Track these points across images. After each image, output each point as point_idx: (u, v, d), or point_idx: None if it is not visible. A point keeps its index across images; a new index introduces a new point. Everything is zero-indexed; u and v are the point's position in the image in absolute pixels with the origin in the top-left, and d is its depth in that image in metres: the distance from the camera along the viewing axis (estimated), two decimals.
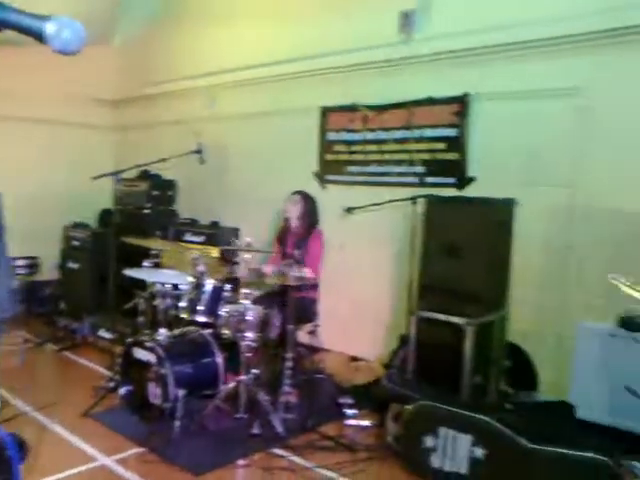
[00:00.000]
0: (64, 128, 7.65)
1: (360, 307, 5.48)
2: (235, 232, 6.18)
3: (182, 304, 4.24)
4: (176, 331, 4.33)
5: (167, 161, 5.33)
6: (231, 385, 4.06)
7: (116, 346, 4.82)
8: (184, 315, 4.26)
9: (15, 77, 6.72)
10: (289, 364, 4.20)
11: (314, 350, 4.97)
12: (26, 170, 7.17)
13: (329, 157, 5.80)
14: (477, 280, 4.00)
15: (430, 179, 5.05)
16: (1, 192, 3.01)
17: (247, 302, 4.13)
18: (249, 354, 4.05)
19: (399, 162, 5.23)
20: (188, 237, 6.31)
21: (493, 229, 4.09)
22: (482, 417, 3.35)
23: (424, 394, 3.64)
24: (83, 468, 3.44)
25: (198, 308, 4.20)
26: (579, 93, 4.22)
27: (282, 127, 6.18)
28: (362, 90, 5.47)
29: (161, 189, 7.01)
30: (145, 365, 3.93)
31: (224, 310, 4.17)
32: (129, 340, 4.19)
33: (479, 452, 3.30)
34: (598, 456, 3.07)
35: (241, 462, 3.62)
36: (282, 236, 5.13)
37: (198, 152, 5.53)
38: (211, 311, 4.21)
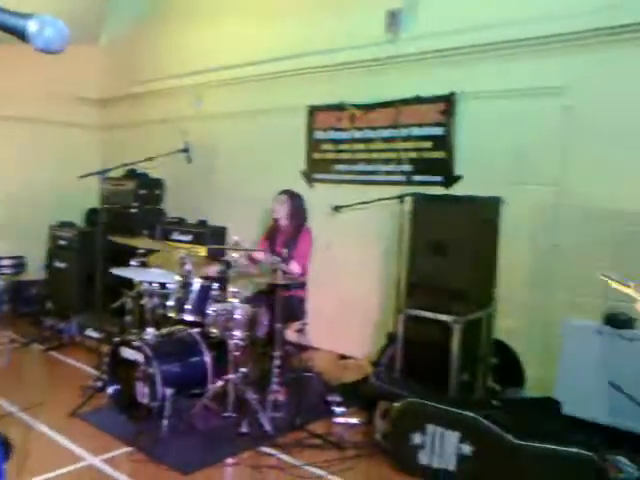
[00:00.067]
0: (50, 127, 7.60)
1: (348, 305, 5.49)
2: (222, 231, 6.18)
3: (170, 303, 4.23)
4: (164, 330, 4.32)
5: (154, 160, 5.32)
6: (219, 384, 4.06)
7: (103, 345, 4.80)
8: (172, 314, 4.24)
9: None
10: (277, 362, 4.20)
11: (302, 348, 4.97)
12: (11, 169, 7.13)
13: (317, 156, 5.81)
14: (464, 278, 4.02)
15: (417, 177, 5.07)
16: None
17: (235, 301, 4.12)
18: (237, 353, 4.05)
19: (386, 161, 5.25)
20: (175, 236, 6.29)
21: (480, 227, 4.12)
22: (469, 414, 3.37)
23: (412, 391, 3.66)
24: (71, 468, 3.43)
25: (186, 307, 4.19)
26: (565, 92, 4.25)
27: (269, 126, 6.18)
28: (349, 89, 5.48)
29: (148, 188, 6.98)
30: (133, 364, 3.92)
31: (212, 309, 4.16)
32: (116, 339, 4.17)
33: (466, 449, 3.32)
34: (583, 451, 3.10)
35: (230, 461, 3.62)
36: (271, 235, 5.12)
37: (185, 151, 5.51)
38: (199, 310, 4.20)
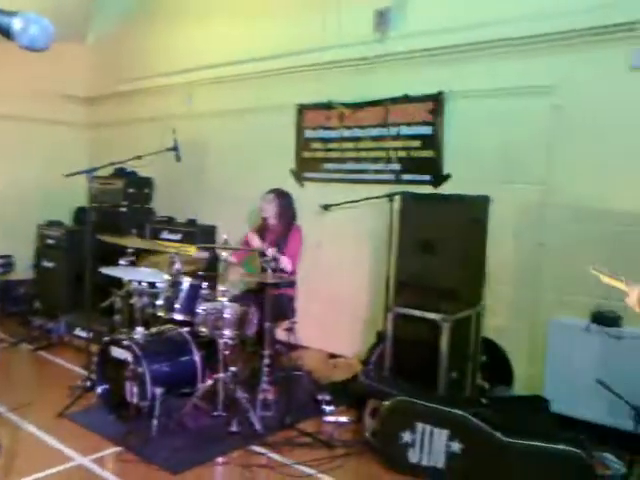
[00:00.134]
0: (37, 125, 7.54)
1: (338, 304, 5.50)
2: (212, 230, 6.17)
3: (159, 302, 4.22)
4: (153, 329, 4.32)
5: (143, 158, 5.29)
6: (209, 383, 4.05)
7: (92, 345, 4.77)
8: (161, 313, 4.24)
9: None
10: (267, 361, 4.21)
11: (292, 347, 4.97)
12: None
13: (306, 155, 5.81)
14: (452, 276, 4.04)
15: (406, 176, 5.08)
16: None
17: (224, 300, 4.12)
18: (227, 352, 4.05)
19: (376, 160, 5.25)
20: (165, 235, 6.27)
21: (468, 226, 4.13)
22: (458, 412, 3.39)
23: (401, 390, 3.67)
24: (60, 468, 3.42)
25: (175, 306, 4.18)
26: (554, 92, 4.27)
27: (259, 125, 6.17)
28: (338, 88, 5.48)
29: (137, 187, 6.95)
30: (122, 364, 3.91)
31: (201, 308, 4.15)
32: (106, 339, 4.16)
33: (456, 446, 3.34)
34: (571, 448, 3.13)
35: (220, 460, 3.62)
36: (260, 234, 5.12)
37: (174, 149, 5.49)
38: (188, 309, 4.20)
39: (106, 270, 4.40)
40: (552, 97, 4.28)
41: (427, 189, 4.90)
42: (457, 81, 4.71)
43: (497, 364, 4.44)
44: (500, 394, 4.39)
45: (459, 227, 4.05)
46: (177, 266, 4.29)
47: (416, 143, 5.00)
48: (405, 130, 5.05)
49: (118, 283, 4.55)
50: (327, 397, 4.41)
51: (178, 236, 6.15)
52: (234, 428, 3.87)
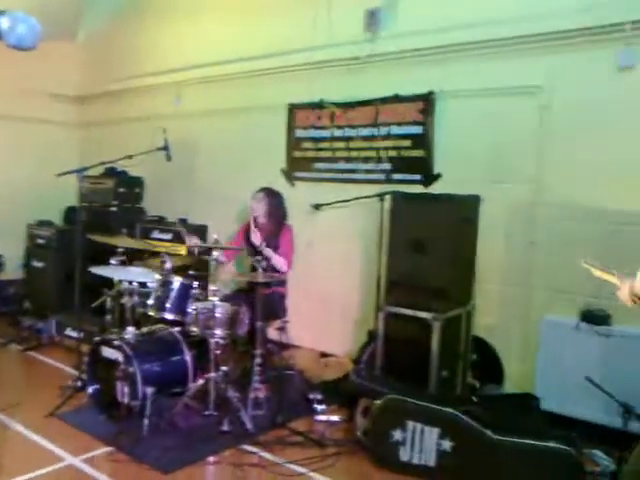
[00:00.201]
0: (27, 124, 7.49)
1: (329, 303, 5.50)
2: (203, 229, 6.15)
3: (150, 302, 4.22)
4: (144, 329, 4.31)
5: (133, 158, 5.27)
6: (200, 382, 4.05)
7: (83, 345, 4.75)
8: (152, 313, 4.23)
9: None
10: (258, 361, 4.20)
11: (283, 346, 4.97)
12: None
13: (297, 154, 5.80)
14: (443, 275, 4.05)
15: (397, 176, 5.09)
16: None
17: (216, 299, 4.11)
18: (218, 351, 4.05)
19: (366, 159, 5.26)
20: (155, 235, 6.25)
21: (458, 225, 4.14)
22: (449, 410, 3.41)
23: (392, 388, 3.68)
24: (50, 468, 3.41)
25: (166, 306, 4.18)
26: (543, 92, 4.30)
27: (249, 124, 6.16)
28: (329, 87, 5.48)
29: (128, 186, 6.92)
30: (113, 364, 3.90)
31: (192, 307, 4.15)
32: (96, 339, 4.15)
33: (446, 445, 3.36)
34: (561, 446, 3.15)
35: (211, 459, 3.62)
36: (248, 233, 5.09)
37: (164, 149, 5.47)
38: (179, 309, 4.19)
39: (96, 270, 4.39)
40: (541, 97, 4.30)
41: (418, 189, 4.91)
42: (447, 81, 4.72)
43: (488, 362, 4.46)
44: (490, 392, 4.41)
45: (450, 226, 4.07)
46: (168, 265, 4.28)
47: (407, 143, 5.01)
48: (396, 130, 5.06)
49: (109, 283, 4.54)
50: (318, 396, 4.41)
51: (169, 236, 6.13)
52: (225, 427, 3.87)
